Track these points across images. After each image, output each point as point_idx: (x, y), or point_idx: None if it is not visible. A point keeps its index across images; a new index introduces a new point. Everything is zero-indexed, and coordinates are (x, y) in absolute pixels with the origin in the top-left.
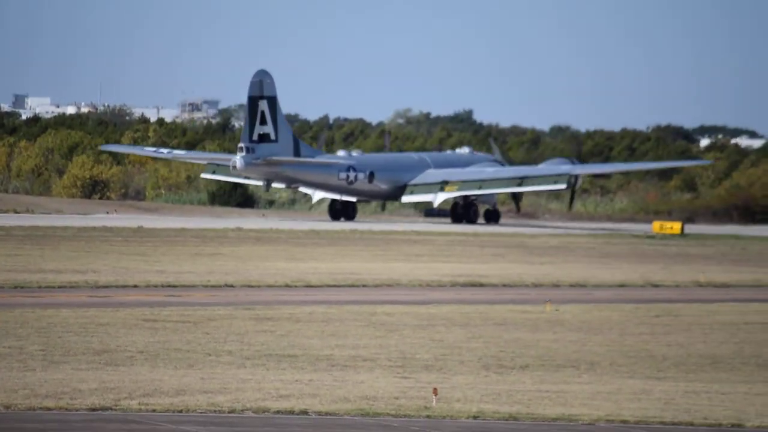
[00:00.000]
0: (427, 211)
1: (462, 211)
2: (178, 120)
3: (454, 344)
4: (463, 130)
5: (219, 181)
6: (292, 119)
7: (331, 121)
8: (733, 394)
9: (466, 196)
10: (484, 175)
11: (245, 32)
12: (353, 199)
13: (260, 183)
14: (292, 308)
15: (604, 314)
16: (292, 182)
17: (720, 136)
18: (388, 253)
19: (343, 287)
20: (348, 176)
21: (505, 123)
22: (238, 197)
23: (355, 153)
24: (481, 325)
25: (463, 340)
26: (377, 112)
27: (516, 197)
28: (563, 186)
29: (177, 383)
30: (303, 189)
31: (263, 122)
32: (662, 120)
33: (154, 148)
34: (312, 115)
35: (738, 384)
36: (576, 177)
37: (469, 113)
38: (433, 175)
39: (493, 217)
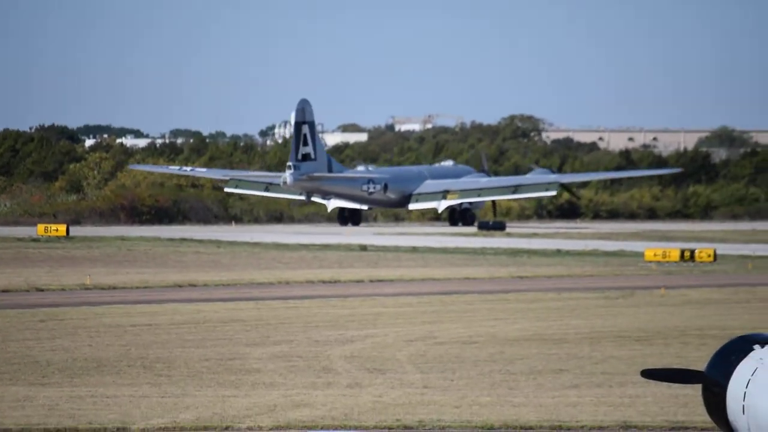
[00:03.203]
0: None
1: (459, 216)
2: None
3: None
4: None
5: None
6: None
7: None
8: (119, 397)
9: (461, 203)
10: (480, 184)
11: None
12: (365, 207)
13: (301, 197)
14: None
15: None
16: (326, 194)
17: (105, 136)
18: None
19: None
20: (368, 188)
21: None
22: None
23: (370, 167)
24: None
25: None
26: None
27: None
28: (554, 192)
29: None
30: (334, 200)
31: (305, 144)
32: (45, 120)
33: (178, 167)
34: None
35: (123, 387)
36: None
37: None
38: (433, 185)
39: (471, 219)
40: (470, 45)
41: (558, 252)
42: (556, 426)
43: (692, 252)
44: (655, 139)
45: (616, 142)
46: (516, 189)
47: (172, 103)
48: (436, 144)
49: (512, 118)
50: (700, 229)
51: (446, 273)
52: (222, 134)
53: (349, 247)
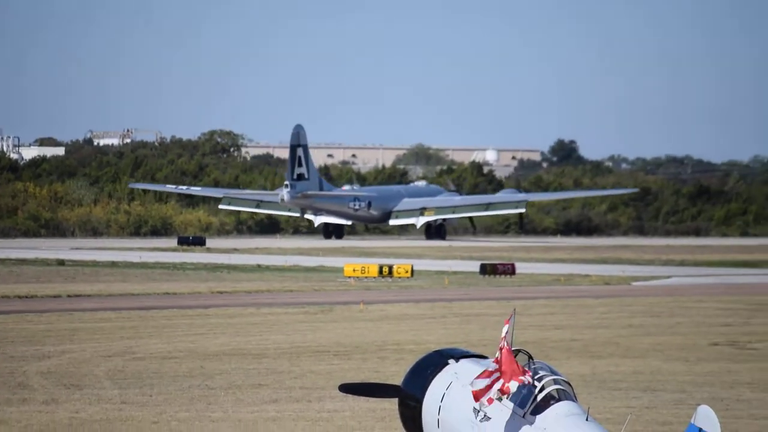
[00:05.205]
0: None
1: (435, 231)
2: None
3: None
4: None
5: None
6: None
7: None
8: None
9: (436, 219)
10: (454, 202)
11: None
12: (348, 222)
13: (296, 213)
14: None
15: None
16: (318, 211)
17: None
18: None
19: None
20: (354, 205)
21: None
22: None
23: (355, 187)
24: None
25: None
26: None
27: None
28: (523, 210)
29: None
30: (322, 215)
31: (300, 165)
32: None
33: (174, 186)
34: None
35: None
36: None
37: None
38: (410, 203)
39: (444, 234)
40: (168, 58)
41: (258, 267)
42: None
43: (390, 267)
44: (354, 155)
45: (316, 158)
46: (487, 207)
47: None
48: (136, 159)
49: (212, 133)
50: (398, 245)
51: (145, 288)
52: None
53: (46, 262)
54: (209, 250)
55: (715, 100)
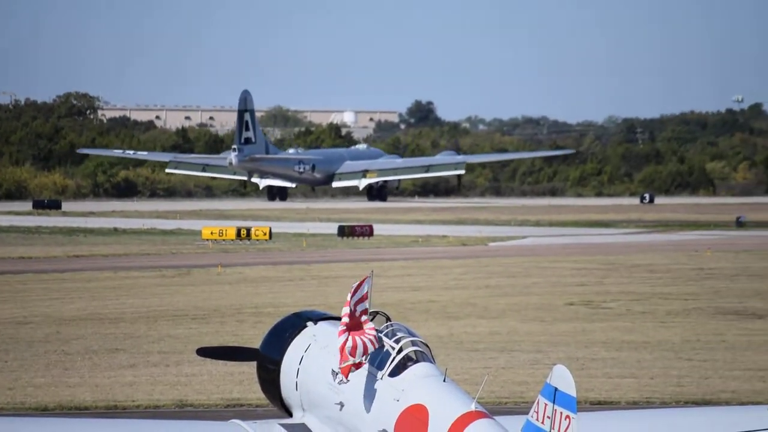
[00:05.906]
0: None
1: (376, 192)
2: None
3: None
4: None
5: None
6: None
7: None
8: None
9: (378, 181)
10: (396, 164)
11: None
12: (292, 185)
13: (242, 177)
14: None
15: None
16: (264, 174)
17: None
18: None
19: None
20: (299, 168)
21: None
22: None
23: (299, 150)
24: None
25: None
26: None
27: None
28: (462, 171)
29: None
30: (268, 178)
31: (247, 129)
32: None
33: (121, 150)
34: None
35: None
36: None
37: None
38: (353, 165)
39: (386, 195)
40: (22, 19)
41: (115, 231)
42: (111, 406)
43: (248, 230)
44: (211, 118)
45: (173, 121)
46: (428, 169)
47: None
48: None
49: (67, 95)
50: (257, 207)
51: None
52: None
53: None
54: (65, 213)
55: (569, 61)
